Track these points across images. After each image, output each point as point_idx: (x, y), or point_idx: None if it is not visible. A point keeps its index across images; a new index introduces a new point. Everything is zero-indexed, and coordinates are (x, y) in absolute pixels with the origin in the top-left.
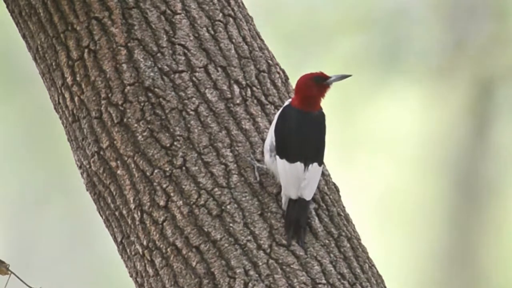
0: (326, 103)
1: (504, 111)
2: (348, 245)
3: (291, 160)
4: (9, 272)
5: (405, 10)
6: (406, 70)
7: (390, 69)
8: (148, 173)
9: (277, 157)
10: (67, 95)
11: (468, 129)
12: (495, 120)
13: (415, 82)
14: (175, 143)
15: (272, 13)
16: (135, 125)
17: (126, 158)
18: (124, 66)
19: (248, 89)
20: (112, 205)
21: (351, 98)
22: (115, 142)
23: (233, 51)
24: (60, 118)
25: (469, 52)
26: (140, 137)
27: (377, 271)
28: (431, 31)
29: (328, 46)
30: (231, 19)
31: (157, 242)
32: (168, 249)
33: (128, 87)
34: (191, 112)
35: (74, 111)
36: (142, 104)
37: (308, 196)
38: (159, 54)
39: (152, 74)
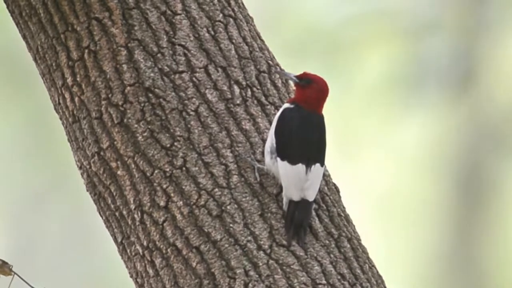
0: (328, 104)
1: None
2: (348, 245)
3: (293, 162)
4: (12, 273)
5: (425, 26)
6: (417, 84)
7: (400, 81)
8: (148, 174)
9: (278, 159)
10: (67, 95)
11: (470, 131)
12: (499, 122)
13: (423, 93)
14: (175, 143)
15: (278, 24)
16: (135, 125)
17: (126, 159)
18: (125, 66)
19: (248, 90)
20: (112, 206)
21: (354, 100)
22: (115, 142)
23: (233, 51)
24: (60, 118)
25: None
26: (140, 137)
27: (377, 272)
28: (447, 48)
29: (343, 60)
30: (231, 19)
31: (157, 242)
32: (168, 250)
33: (128, 88)
34: (191, 113)
35: (74, 112)
36: (142, 104)
37: (311, 197)
38: (159, 55)
39: (152, 74)
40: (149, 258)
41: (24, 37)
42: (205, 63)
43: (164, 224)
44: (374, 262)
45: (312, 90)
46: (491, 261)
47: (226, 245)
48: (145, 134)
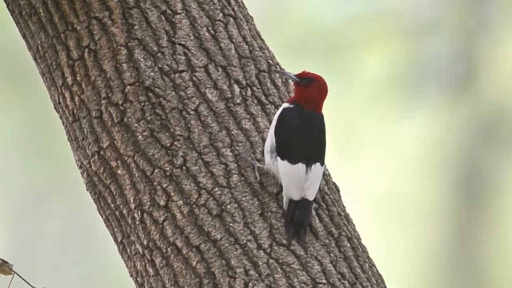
0: (328, 104)
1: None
2: (348, 244)
3: (293, 161)
4: (12, 272)
5: (425, 26)
6: (416, 84)
7: (400, 81)
8: (148, 173)
9: (278, 158)
10: (67, 94)
11: (470, 131)
12: (499, 122)
13: (423, 93)
14: (175, 142)
15: (278, 24)
16: (135, 124)
17: (126, 158)
18: (124, 65)
19: (248, 89)
20: (112, 205)
21: (354, 100)
22: (115, 141)
23: (233, 50)
24: (60, 117)
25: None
26: (140, 136)
27: (377, 271)
28: (445, 46)
29: (343, 61)
30: (231, 18)
31: (157, 241)
32: (168, 249)
33: (128, 87)
34: (191, 112)
35: (74, 111)
36: (142, 103)
37: (311, 197)
38: (159, 54)
39: (152, 74)
40: (149, 257)
41: (24, 36)
42: (205, 62)
43: (164, 223)
44: (374, 262)
45: (314, 89)
46: (491, 261)
47: (226, 244)
48: (145, 133)
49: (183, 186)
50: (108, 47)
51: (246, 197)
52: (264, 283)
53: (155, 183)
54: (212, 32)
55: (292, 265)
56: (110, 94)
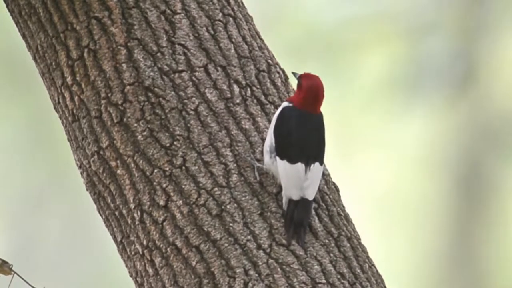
0: (328, 104)
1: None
2: (348, 244)
3: (292, 161)
4: (12, 272)
5: (425, 26)
6: (416, 84)
7: (400, 81)
8: (148, 173)
9: (277, 158)
10: (66, 94)
11: (470, 131)
12: (499, 122)
13: (423, 93)
14: (175, 142)
15: (278, 24)
16: (135, 124)
17: (126, 158)
18: (124, 65)
19: (248, 89)
20: (112, 205)
21: (354, 100)
22: (114, 141)
23: (233, 50)
24: (60, 117)
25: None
26: (139, 136)
27: (377, 271)
28: (445, 46)
29: (343, 62)
30: (230, 18)
31: (157, 241)
32: (168, 249)
33: (128, 87)
34: (191, 112)
35: (74, 111)
36: (141, 103)
37: (310, 196)
38: (159, 54)
39: (152, 73)
40: (148, 257)
41: (23, 36)
42: (204, 62)
43: (164, 223)
44: (374, 262)
45: (302, 91)
46: (491, 261)
47: (226, 244)
48: (144, 133)
49: (183, 186)
50: (108, 47)
51: (245, 197)
52: (264, 283)
53: (154, 183)
54: (212, 32)
55: (291, 265)
56: (109, 94)
